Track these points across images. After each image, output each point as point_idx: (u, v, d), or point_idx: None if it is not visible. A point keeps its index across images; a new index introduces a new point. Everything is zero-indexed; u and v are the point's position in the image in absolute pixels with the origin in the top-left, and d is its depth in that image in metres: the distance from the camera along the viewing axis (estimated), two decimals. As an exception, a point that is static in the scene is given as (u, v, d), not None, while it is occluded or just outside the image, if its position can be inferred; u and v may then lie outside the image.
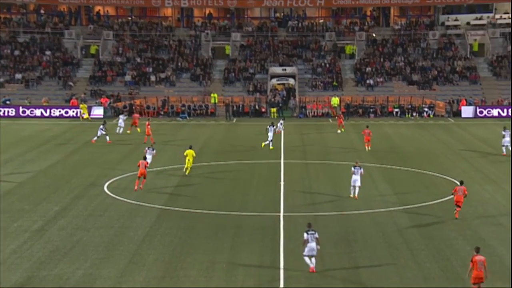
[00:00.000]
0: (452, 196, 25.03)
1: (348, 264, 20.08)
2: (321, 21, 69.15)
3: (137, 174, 29.37)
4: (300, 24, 67.63)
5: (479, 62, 63.53)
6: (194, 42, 65.74)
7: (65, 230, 23.44)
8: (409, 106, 57.24)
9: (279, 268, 19.64)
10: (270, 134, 39.75)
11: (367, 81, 61.13)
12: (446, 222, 24.44)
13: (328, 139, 44.82)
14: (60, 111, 55.86)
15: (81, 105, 55.24)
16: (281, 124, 44.02)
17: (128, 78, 61.66)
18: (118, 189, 29.48)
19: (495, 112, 55.99)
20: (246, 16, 70.06)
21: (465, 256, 19.92)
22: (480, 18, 66.90)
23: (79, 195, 28.54)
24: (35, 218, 24.92)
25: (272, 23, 68.39)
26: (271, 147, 39.71)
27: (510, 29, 65.57)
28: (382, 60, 63.29)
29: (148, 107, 57.48)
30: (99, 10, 69.53)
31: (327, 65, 62.74)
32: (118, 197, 28.05)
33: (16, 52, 64.03)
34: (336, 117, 49.12)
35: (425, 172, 33.31)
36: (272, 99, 57.86)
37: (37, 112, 55.84)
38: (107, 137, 42.07)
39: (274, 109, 56.79)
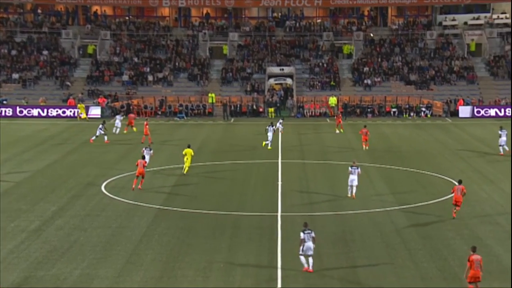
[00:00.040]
0: (451, 195, 25.03)
1: (345, 264, 20.08)
2: (318, 21, 69.16)
3: (135, 174, 29.36)
4: (297, 24, 67.64)
5: (477, 62, 63.62)
6: (191, 42, 65.71)
7: (63, 230, 23.41)
8: (407, 106, 57.29)
9: (276, 268, 19.64)
10: (270, 134, 39.79)
11: (365, 81, 61.17)
12: (444, 221, 24.46)
13: (326, 139, 44.84)
14: (57, 111, 55.80)
15: (79, 105, 55.19)
16: (280, 123, 44.12)
17: (125, 78, 61.61)
18: (115, 189, 29.45)
19: (492, 112, 56.06)
20: (243, 16, 70.06)
21: (462, 255, 19.94)
22: (478, 18, 66.99)
23: (77, 195, 28.50)
24: (32, 218, 24.88)
25: (269, 23, 68.40)
26: (269, 147, 39.71)
27: (507, 29, 65.70)
28: (379, 60, 63.33)
29: (145, 107, 57.44)
30: (97, 9, 69.47)
31: (325, 65, 62.77)
32: (116, 197, 28.02)
33: (13, 52, 63.93)
34: (335, 117, 49.10)
35: (422, 172, 33.34)
36: (270, 99, 57.87)
37: (34, 112, 55.77)
38: (105, 137, 42.04)
39: (271, 109, 56.80)
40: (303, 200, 27.92)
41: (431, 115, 56.64)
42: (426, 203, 27.06)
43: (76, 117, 54.74)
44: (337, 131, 46.56)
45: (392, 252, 21.11)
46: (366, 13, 69.38)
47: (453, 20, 67.17)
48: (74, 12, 69.22)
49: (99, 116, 54.67)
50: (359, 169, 27.77)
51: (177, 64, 63.27)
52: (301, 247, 19.36)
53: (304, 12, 69.47)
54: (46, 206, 26.65)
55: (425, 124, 52.48)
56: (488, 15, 67.15)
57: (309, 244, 19.27)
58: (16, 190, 29.44)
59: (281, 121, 45.38)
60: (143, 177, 29.17)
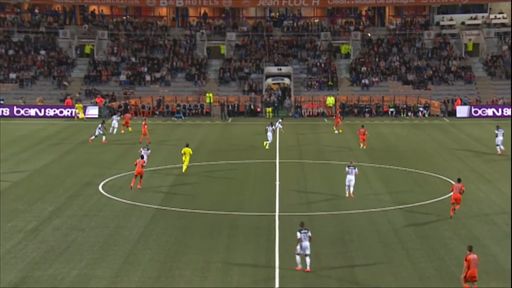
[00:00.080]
0: (449, 194, 25.08)
1: (343, 264, 20.09)
2: (316, 20, 69.18)
3: (133, 173, 29.35)
4: (295, 24, 67.65)
5: (474, 62, 63.69)
6: (189, 41, 65.67)
7: (60, 230, 23.38)
8: (404, 106, 57.33)
9: (274, 268, 19.63)
10: (269, 134, 39.82)
11: (362, 81, 61.20)
12: (441, 221, 24.48)
13: (324, 138, 44.85)
14: (54, 111, 55.73)
15: (76, 105, 55.13)
16: (279, 123, 44.16)
17: (123, 77, 61.56)
18: (113, 189, 29.42)
19: (490, 111, 56.12)
20: (241, 16, 70.03)
21: (459, 255, 19.94)
22: (475, 18, 67.07)
23: (74, 195, 28.47)
24: (29, 218, 24.84)
25: (267, 22, 68.40)
26: (267, 147, 39.73)
27: (504, 29, 65.80)
28: (377, 59, 63.36)
29: (143, 107, 57.40)
30: (94, 9, 69.39)
31: (323, 65, 62.78)
32: (113, 197, 27.99)
33: (11, 52, 63.83)
34: (334, 117, 49.05)
35: (420, 171, 33.36)
36: (268, 99, 57.85)
37: (32, 111, 55.69)
38: (103, 137, 42.02)
39: (269, 109, 56.80)
40: (301, 200, 27.91)
41: (429, 115, 56.68)
42: (423, 202, 27.07)
43: (73, 117, 54.68)
44: (336, 131, 46.54)
45: (389, 252, 21.12)
46: (363, 13, 69.41)
47: (451, 20, 67.24)
48: (71, 11, 69.13)
49: (97, 116, 54.65)
50: (356, 169, 27.81)
51: (174, 64, 63.23)
52: (298, 247, 19.37)
53: (302, 12, 69.46)
54: (44, 206, 26.62)
55: (422, 124, 52.52)
56: (485, 15, 67.25)
57: (306, 243, 19.29)
58: (13, 190, 29.40)
59: (280, 121, 45.48)
60: (141, 177, 29.16)
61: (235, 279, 18.89)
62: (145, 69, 62.43)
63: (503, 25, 66.37)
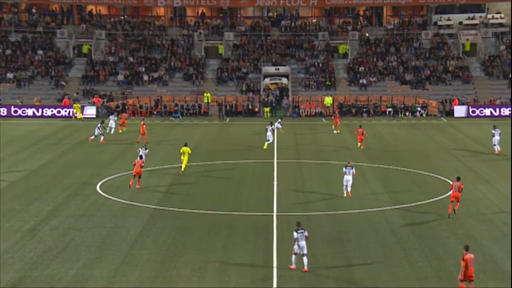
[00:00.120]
0: (449, 193, 25.14)
1: (341, 264, 20.09)
2: (314, 20, 69.22)
3: (132, 173, 29.34)
4: (293, 24, 67.67)
5: (472, 61, 63.79)
6: (187, 41, 65.65)
7: (57, 230, 23.34)
8: (402, 106, 57.37)
9: (272, 268, 19.63)
10: (269, 134, 39.85)
11: (360, 81, 61.23)
12: (439, 221, 24.50)
13: (321, 138, 44.86)
14: (52, 111, 55.66)
15: (74, 105, 55.06)
16: (278, 123, 44.14)
17: (120, 77, 61.51)
18: (110, 189, 29.39)
19: (487, 111, 56.20)
20: (239, 16, 70.05)
21: (457, 255, 19.94)
22: (473, 18, 67.17)
23: (72, 195, 28.43)
24: (27, 218, 24.81)
25: (265, 22, 68.41)
26: (265, 147, 39.73)
27: (502, 29, 65.90)
28: (375, 59, 63.40)
29: (141, 107, 57.35)
30: (92, 9, 69.34)
31: (320, 65, 62.80)
32: (111, 197, 27.96)
33: (8, 52, 63.76)
34: (332, 117, 48.99)
35: (417, 171, 33.39)
36: (265, 99, 57.85)
37: (29, 111, 55.61)
38: (101, 137, 41.98)
39: (267, 109, 56.79)
40: (299, 200, 27.91)
41: (427, 114, 56.73)
42: (421, 202, 27.09)
43: (71, 117, 54.62)
44: (335, 131, 46.51)
45: (387, 252, 21.13)
46: (361, 13, 69.45)
47: (448, 20, 67.33)
48: (69, 11, 69.08)
49: (94, 116, 54.61)
50: (353, 170, 27.83)
51: (172, 63, 63.20)
52: (295, 246, 19.39)
53: (300, 12, 69.50)
54: (41, 206, 26.58)
55: (420, 124, 52.56)
56: (483, 15, 67.35)
57: (302, 243, 19.32)
58: (10, 190, 29.35)
59: (279, 120, 45.46)
60: (140, 177, 29.15)
61: (233, 279, 18.88)
62: (143, 69, 62.38)
63: (501, 25, 66.49)
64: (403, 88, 60.49)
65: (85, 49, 65.05)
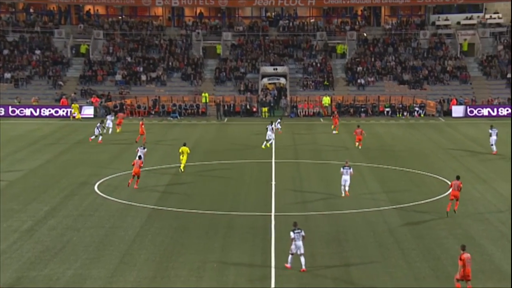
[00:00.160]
0: (447, 193, 25.23)
1: (339, 263, 20.10)
2: (312, 20, 69.21)
3: (130, 173, 29.32)
4: (291, 24, 67.66)
5: (469, 61, 63.83)
6: (185, 41, 65.61)
7: (55, 230, 23.32)
8: (400, 106, 57.41)
9: (270, 267, 19.63)
10: (269, 133, 39.89)
11: (358, 81, 61.25)
12: (437, 221, 24.52)
13: (320, 138, 44.87)
14: (50, 111, 55.60)
15: (73, 105, 55.00)
16: (278, 123, 44.13)
17: (118, 77, 61.46)
18: (108, 189, 29.36)
19: (485, 111, 56.25)
20: (237, 16, 70.02)
21: (455, 255, 19.93)
22: (470, 18, 67.24)
23: (70, 195, 28.40)
24: (24, 218, 24.77)
25: (263, 22, 68.40)
26: (263, 146, 39.75)
27: (500, 29, 65.98)
28: (373, 59, 63.43)
29: (139, 107, 57.32)
30: (89, 9, 69.25)
31: (318, 65, 62.81)
32: (109, 197, 27.94)
33: (5, 51, 63.67)
34: (332, 117, 48.92)
35: (415, 171, 33.41)
36: (263, 99, 57.85)
37: (27, 111, 55.55)
38: (100, 137, 41.95)
39: (265, 109, 56.80)
40: (297, 199, 27.91)
41: (424, 114, 56.77)
42: (419, 202, 27.10)
43: (69, 117, 54.57)
44: (334, 132, 46.48)
45: (385, 252, 21.13)
46: (359, 12, 69.47)
47: (446, 20, 67.38)
48: (66, 11, 68.98)
49: (92, 116, 54.60)
50: (351, 169, 27.85)
51: (170, 63, 63.16)
52: (292, 246, 19.41)
53: (298, 12, 69.50)
54: (39, 206, 26.55)
55: (418, 124, 52.59)
56: (480, 15, 67.41)
57: (299, 243, 19.35)
58: (8, 190, 29.31)
59: (279, 120, 45.42)
60: (138, 177, 29.14)
61: (231, 279, 18.88)
62: (141, 69, 62.33)
63: (499, 25, 66.55)
64: (401, 88, 60.52)
65: (83, 49, 64.98)
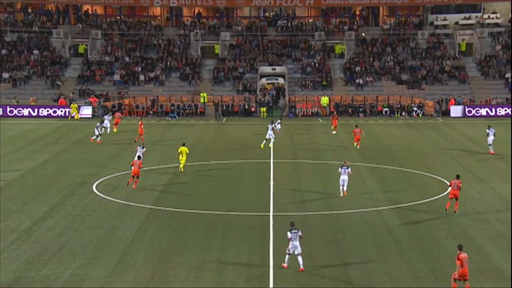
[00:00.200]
0: (446, 192, 25.34)
1: (337, 263, 20.09)
2: (310, 20, 69.22)
3: (128, 173, 29.30)
4: (289, 24, 67.67)
5: (468, 61, 63.87)
6: (183, 41, 65.59)
7: (53, 230, 23.29)
8: (399, 106, 57.42)
9: (268, 267, 19.62)
10: (270, 133, 39.92)
11: (357, 81, 61.27)
12: (435, 221, 24.53)
13: (318, 138, 44.88)
14: (48, 111, 55.55)
15: (71, 105, 54.94)
16: (278, 123, 44.17)
17: (117, 77, 61.42)
18: (107, 189, 29.34)
19: (483, 111, 56.28)
20: (235, 16, 70.01)
21: (453, 255, 19.93)
22: (469, 18, 67.29)
23: (68, 195, 28.37)
24: (22, 218, 24.74)
25: (261, 22, 68.40)
26: (262, 145, 39.77)
27: (498, 29, 66.05)
28: (371, 59, 63.45)
29: (137, 107, 57.28)
30: (88, 9, 69.19)
31: (317, 65, 62.82)
32: (107, 197, 27.91)
33: (3, 51, 63.60)
34: (331, 118, 48.87)
35: (414, 171, 33.42)
36: (262, 99, 57.84)
37: (25, 111, 55.49)
38: (99, 137, 41.92)
39: (263, 109, 56.79)
40: (295, 199, 27.90)
41: (423, 114, 56.80)
42: (417, 202, 27.11)
43: (67, 117, 54.52)
44: (334, 132, 46.44)
45: (383, 252, 21.13)
46: (357, 12, 69.51)
47: (444, 20, 67.42)
48: (64, 11, 68.92)
49: (91, 116, 54.58)
50: (349, 169, 27.85)
51: (168, 63, 63.13)
52: (289, 246, 19.42)
53: (296, 12, 69.50)
54: (37, 206, 26.51)
55: (416, 124, 52.62)
56: (479, 15, 67.47)
57: (296, 243, 19.37)
58: (6, 190, 29.26)
59: (279, 120, 45.37)
60: (137, 177, 29.12)
61: (230, 279, 18.87)
62: (139, 69, 62.30)
63: (497, 25, 66.62)
64: (399, 88, 60.54)
65: (81, 49, 64.93)
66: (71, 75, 62.60)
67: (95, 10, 69.19)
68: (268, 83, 60.22)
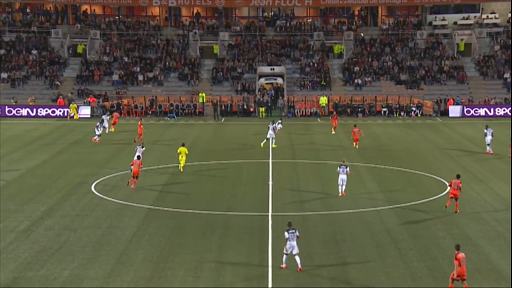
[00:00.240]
0: (446, 191, 25.42)
1: (336, 263, 20.09)
2: (309, 20, 69.23)
3: (126, 172, 29.28)
4: (288, 24, 67.68)
5: (466, 61, 63.92)
6: (182, 41, 65.57)
7: (52, 231, 23.27)
8: (397, 106, 57.45)
9: (267, 267, 19.62)
10: (270, 132, 39.93)
11: (355, 81, 61.28)
12: (434, 221, 24.54)
13: (317, 138, 44.88)
14: (46, 111, 55.51)
15: (71, 105, 54.90)
16: (279, 123, 44.21)
17: (115, 77, 61.38)
18: (105, 189, 29.33)
19: (482, 111, 56.32)
20: (234, 16, 70.01)
21: (452, 255, 19.89)
22: (467, 18, 67.34)
23: (66, 195, 28.36)
24: (21, 219, 24.72)
25: (260, 22, 68.40)
26: (262, 145, 39.79)
27: (496, 29, 66.10)
28: (370, 59, 63.47)
29: (136, 107, 57.26)
30: (86, 9, 69.17)
31: (315, 65, 62.83)
32: (106, 197, 27.90)
33: (2, 51, 63.54)
34: (331, 118, 48.84)
35: (413, 171, 33.43)
36: (261, 99, 57.84)
37: (24, 111, 55.45)
38: (98, 137, 41.90)
39: (262, 109, 56.78)
40: (294, 199, 27.90)
41: (421, 114, 56.82)
42: (416, 202, 27.12)
43: (66, 117, 54.49)
44: (333, 132, 46.42)
45: (382, 252, 21.14)
46: (356, 13, 69.53)
47: (443, 20, 67.46)
48: (63, 11, 68.87)
49: (89, 116, 54.55)
50: (348, 168, 27.86)
51: (167, 63, 63.11)
52: (286, 246, 19.42)
53: (295, 12, 69.51)
54: (36, 206, 26.50)
55: (415, 124, 52.65)
56: (477, 15, 67.51)
57: (293, 243, 19.37)
58: (5, 190, 29.24)
59: (280, 121, 45.42)
60: (137, 178, 29.12)
61: (228, 279, 18.87)
62: (138, 69, 62.27)
63: (495, 25, 66.67)
64: (398, 88, 60.56)
65: (79, 49, 64.89)
66: (69, 75, 62.56)
67: (94, 10, 69.16)
68: (267, 83, 60.22)
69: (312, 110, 57.41)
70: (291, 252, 19.38)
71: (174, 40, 65.82)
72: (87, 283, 18.56)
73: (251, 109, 57.44)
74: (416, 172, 33.20)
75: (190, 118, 55.76)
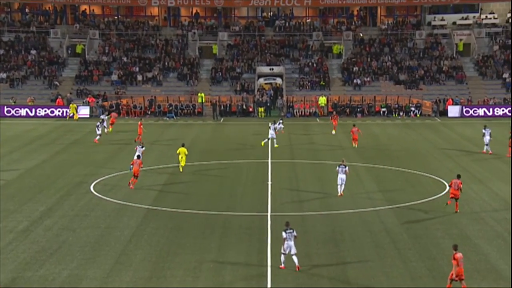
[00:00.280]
0: (448, 188, 25.57)
1: (335, 263, 20.10)
2: (308, 20, 69.26)
3: (128, 173, 29.28)
4: (287, 24, 67.69)
5: (465, 61, 63.97)
6: (181, 41, 65.56)
7: (51, 231, 23.26)
8: (396, 106, 57.47)
9: (266, 267, 19.62)
10: (271, 132, 39.96)
11: (354, 81, 61.30)
12: (433, 221, 24.55)
13: (316, 138, 44.89)
14: (45, 111, 55.48)
15: (70, 105, 54.87)
16: (279, 124, 44.24)
17: (114, 77, 61.37)
18: (104, 189, 29.32)
19: (481, 111, 56.36)
20: (233, 16, 70.02)
21: (451, 255, 19.95)
22: (466, 18, 67.39)
23: (65, 195, 28.35)
24: (20, 219, 24.71)
25: (259, 22, 68.41)
26: (262, 144, 39.81)
27: (495, 29, 66.14)
28: (369, 59, 63.49)
29: (135, 107, 57.24)
30: (85, 9, 69.16)
31: (315, 65, 62.84)
32: (105, 197, 27.89)
33: (1, 51, 63.53)
34: (331, 118, 48.82)
35: (412, 171, 33.44)
36: (260, 99, 57.84)
37: (22, 111, 55.41)
38: (97, 137, 41.89)
39: (261, 109, 56.77)
40: (293, 199, 27.91)
41: (420, 114, 56.84)
42: (415, 202, 27.13)
43: (65, 117, 54.47)
44: (333, 132, 46.42)
45: (381, 252, 21.15)
46: (355, 13, 69.54)
47: (442, 20, 67.51)
48: (62, 11, 68.85)
49: (88, 116, 54.54)
50: (347, 168, 27.87)
51: (166, 63, 63.10)
52: (284, 246, 19.43)
53: (294, 12, 69.53)
54: (35, 206, 26.48)
55: (414, 124, 52.67)
56: (476, 15, 67.57)
57: (291, 243, 19.38)
58: (4, 190, 29.22)
59: (280, 121, 45.44)
60: (136, 177, 29.11)
61: (227, 279, 18.87)
62: (137, 69, 62.26)
63: (494, 25, 66.72)
64: (397, 88, 60.59)
65: (78, 49, 64.87)
66: (68, 75, 62.54)
67: (93, 10, 69.15)
68: (266, 83, 60.22)
69: (311, 110, 57.41)
70: (289, 252, 19.40)
71: (173, 40, 65.81)
72: (86, 283, 18.55)
73: (250, 109, 57.44)
74: (415, 172, 33.22)
75: (189, 118, 55.75)
